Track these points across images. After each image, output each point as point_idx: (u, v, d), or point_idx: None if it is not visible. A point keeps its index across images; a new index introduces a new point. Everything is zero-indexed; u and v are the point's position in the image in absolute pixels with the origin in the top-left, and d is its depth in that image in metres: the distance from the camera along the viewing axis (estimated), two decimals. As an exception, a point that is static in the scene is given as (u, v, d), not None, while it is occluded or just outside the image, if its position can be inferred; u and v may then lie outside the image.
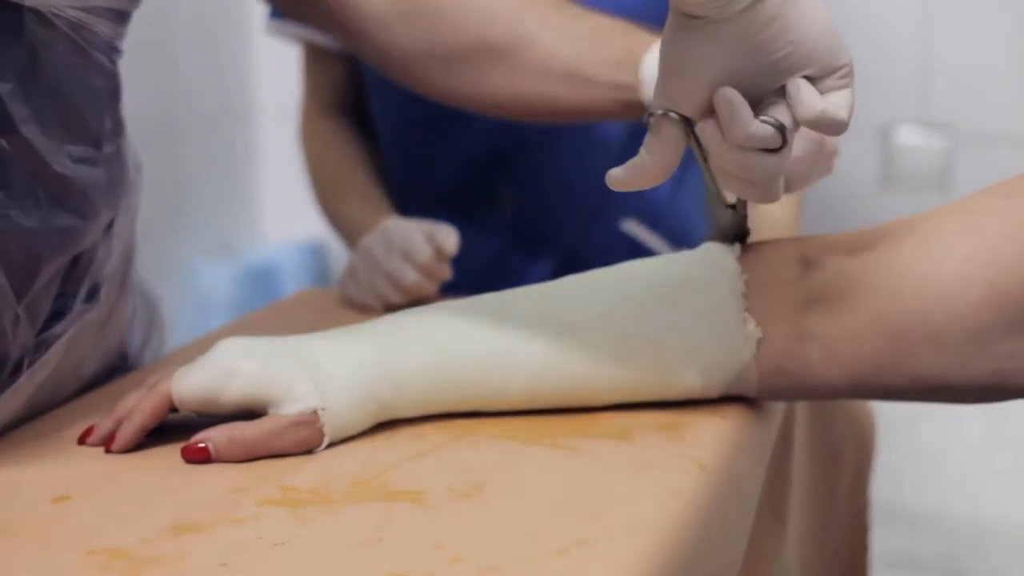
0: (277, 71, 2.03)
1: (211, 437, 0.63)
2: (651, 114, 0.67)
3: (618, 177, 0.67)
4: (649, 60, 0.87)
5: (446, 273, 1.01)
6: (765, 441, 0.75)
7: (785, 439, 0.86)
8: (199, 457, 0.63)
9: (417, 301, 0.99)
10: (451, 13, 0.91)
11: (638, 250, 1.28)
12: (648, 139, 0.67)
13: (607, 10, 0.99)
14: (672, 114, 0.66)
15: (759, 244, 0.71)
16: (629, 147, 1.18)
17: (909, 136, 1.77)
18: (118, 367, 0.85)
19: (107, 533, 0.54)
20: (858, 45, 1.87)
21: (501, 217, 1.28)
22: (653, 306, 0.68)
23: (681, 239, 1.32)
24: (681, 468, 0.62)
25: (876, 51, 1.79)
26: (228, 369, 0.64)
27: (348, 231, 1.25)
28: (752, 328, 0.68)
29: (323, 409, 0.64)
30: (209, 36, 1.97)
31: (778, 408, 0.79)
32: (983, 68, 1.74)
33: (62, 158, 0.69)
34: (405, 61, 0.92)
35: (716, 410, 0.70)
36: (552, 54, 0.90)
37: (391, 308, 0.98)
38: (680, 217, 1.31)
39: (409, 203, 1.30)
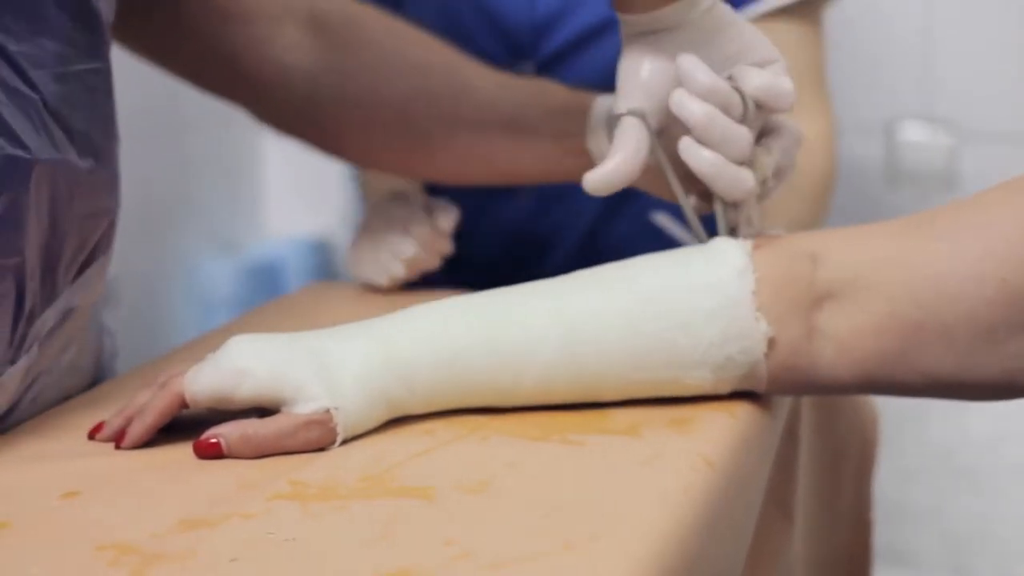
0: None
1: (223, 433, 0.63)
2: (618, 115, 0.73)
3: (593, 180, 0.72)
4: (598, 107, 0.86)
5: (447, 248, 1.01)
6: (772, 437, 0.75)
7: (791, 436, 0.86)
8: (211, 452, 0.63)
9: (421, 276, 1.01)
10: (381, 63, 0.89)
11: (663, 242, 1.28)
12: (616, 140, 0.73)
13: None
14: (636, 112, 0.73)
15: (770, 239, 0.71)
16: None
17: (914, 133, 1.77)
18: (108, 367, 0.85)
19: (116, 528, 0.54)
20: (862, 42, 1.87)
21: (520, 204, 1.29)
22: (665, 304, 0.68)
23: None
24: (689, 464, 0.62)
25: (880, 47, 1.79)
26: (240, 368, 0.64)
27: (369, 199, 1.27)
28: (764, 327, 0.68)
29: (336, 409, 0.64)
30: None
31: (784, 404, 0.79)
32: (988, 65, 1.74)
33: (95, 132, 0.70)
34: (333, 119, 0.90)
35: (724, 407, 0.70)
36: (491, 103, 0.88)
37: (395, 282, 1.00)
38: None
39: (433, 190, 1.31)
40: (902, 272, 0.66)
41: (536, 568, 0.50)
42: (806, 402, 0.90)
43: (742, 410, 0.70)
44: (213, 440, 0.63)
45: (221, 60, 0.89)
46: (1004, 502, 1.76)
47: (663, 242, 1.27)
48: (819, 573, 1.00)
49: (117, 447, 0.65)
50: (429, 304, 0.70)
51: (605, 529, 0.53)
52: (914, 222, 0.68)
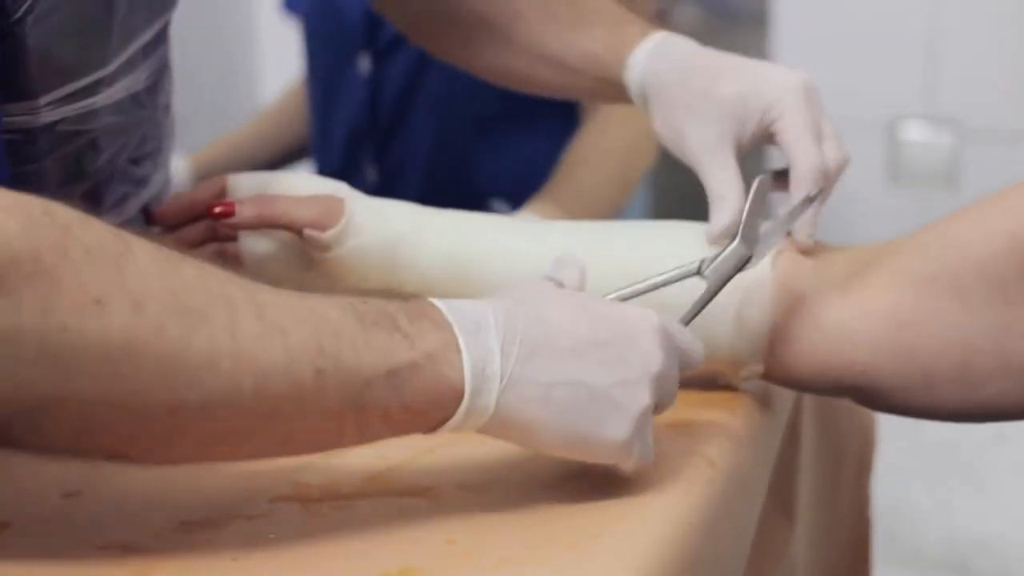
0: (281, 66, 2.02)
1: (238, 199, 0.72)
2: None
3: None
4: (636, 58, 0.87)
5: None
6: (773, 437, 0.75)
7: (792, 436, 0.86)
8: (223, 212, 0.70)
9: None
10: None
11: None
12: None
13: None
14: None
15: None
16: (489, 126, 1.34)
17: (916, 132, 1.77)
18: None
19: (118, 528, 0.55)
20: (863, 41, 1.87)
21: (365, 189, 1.37)
22: (671, 297, 0.67)
23: None
24: (691, 463, 0.62)
25: (883, 47, 1.79)
26: (279, 175, 0.75)
27: None
28: (773, 327, 0.67)
29: (350, 199, 0.73)
30: (214, 31, 1.96)
31: (786, 404, 0.79)
32: (990, 64, 1.74)
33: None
34: (417, 24, 1.00)
35: (725, 406, 0.70)
36: (537, 38, 0.93)
37: None
38: None
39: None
40: (911, 238, 0.66)
41: (538, 567, 0.50)
42: (807, 403, 0.90)
43: (743, 410, 0.70)
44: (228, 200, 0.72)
45: None
46: (1004, 502, 1.77)
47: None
48: (820, 573, 1.00)
49: (149, 222, 0.73)
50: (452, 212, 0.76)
51: (607, 528, 0.54)
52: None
